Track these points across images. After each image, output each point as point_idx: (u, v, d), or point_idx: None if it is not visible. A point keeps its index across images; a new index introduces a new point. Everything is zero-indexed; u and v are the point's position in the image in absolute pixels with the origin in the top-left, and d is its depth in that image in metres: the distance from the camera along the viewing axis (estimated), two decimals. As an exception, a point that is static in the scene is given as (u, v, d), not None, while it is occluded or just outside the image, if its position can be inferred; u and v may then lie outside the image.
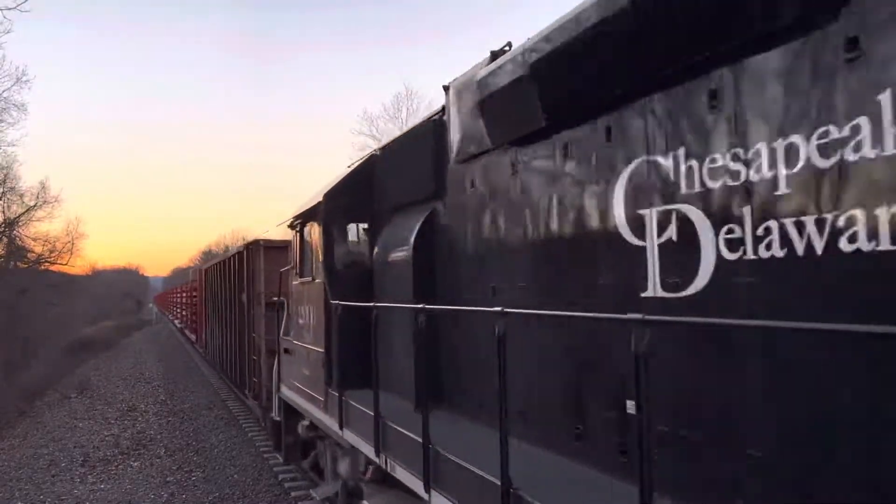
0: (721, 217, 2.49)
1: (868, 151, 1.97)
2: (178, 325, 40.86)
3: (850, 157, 2.01)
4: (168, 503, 8.73)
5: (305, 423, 7.31)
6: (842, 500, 2.00)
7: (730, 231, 2.45)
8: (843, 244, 2.03)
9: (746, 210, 2.38)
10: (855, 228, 2.00)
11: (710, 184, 2.54)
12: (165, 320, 56.04)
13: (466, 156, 4.47)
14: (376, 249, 5.85)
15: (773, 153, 2.28)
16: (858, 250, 1.98)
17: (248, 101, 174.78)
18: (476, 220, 4.41)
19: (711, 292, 2.53)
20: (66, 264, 35.11)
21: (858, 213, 1.99)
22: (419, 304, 3.99)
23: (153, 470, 10.26)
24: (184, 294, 36.94)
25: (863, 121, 1.98)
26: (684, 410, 2.61)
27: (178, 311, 42.66)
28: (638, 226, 2.91)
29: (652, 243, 2.83)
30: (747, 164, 2.38)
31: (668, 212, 2.74)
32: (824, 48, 2.12)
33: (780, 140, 2.26)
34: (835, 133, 2.06)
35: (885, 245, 1.91)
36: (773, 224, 2.27)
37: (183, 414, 14.68)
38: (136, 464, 10.68)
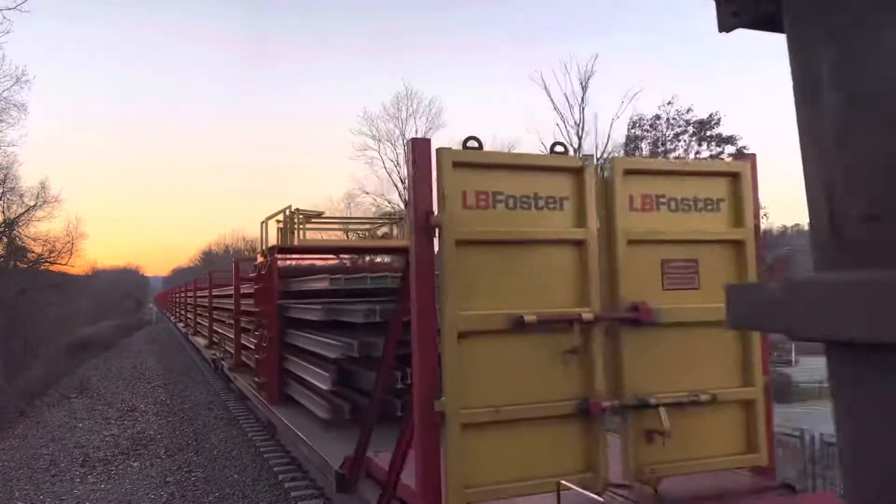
0: None
1: None
2: (212, 358, 17.37)
3: None
4: (168, 503, 8.73)
5: None
6: None
7: None
8: None
9: None
10: None
11: None
12: (165, 320, 55.97)
13: None
14: None
15: None
16: None
17: (248, 102, 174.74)
18: None
19: None
20: (66, 264, 35.17)
21: None
22: None
23: (153, 470, 10.26)
24: (208, 292, 19.71)
25: None
26: None
27: (197, 321, 24.73)
28: None
29: None
30: None
31: None
32: None
33: None
34: None
35: None
36: None
37: (183, 414, 14.68)
38: (136, 464, 10.68)
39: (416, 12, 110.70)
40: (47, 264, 33.06)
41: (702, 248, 4.10)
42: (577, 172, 3.92)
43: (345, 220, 15.72)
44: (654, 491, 3.91)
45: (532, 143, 40.53)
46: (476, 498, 3.60)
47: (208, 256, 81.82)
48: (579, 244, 3.87)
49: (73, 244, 34.95)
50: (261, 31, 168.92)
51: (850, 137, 0.98)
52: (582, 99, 35.41)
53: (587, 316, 3.78)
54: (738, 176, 4.22)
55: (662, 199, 4.08)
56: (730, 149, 32.25)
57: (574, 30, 74.44)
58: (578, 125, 35.11)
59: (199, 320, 24.09)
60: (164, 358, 27.25)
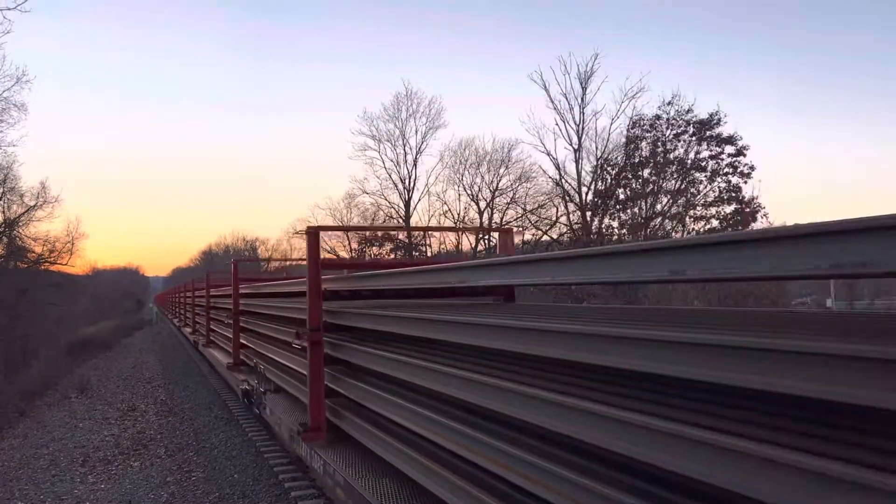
0: None
1: None
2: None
3: None
4: (168, 503, 8.72)
5: None
6: None
7: None
8: None
9: None
10: None
11: None
12: (166, 320, 55.96)
13: None
14: None
15: None
16: None
17: (248, 101, 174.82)
18: None
19: None
20: (66, 264, 35.20)
21: None
22: None
23: (153, 470, 10.25)
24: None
25: None
26: None
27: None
28: None
29: None
30: None
31: None
32: None
33: None
34: None
35: None
36: None
37: (183, 414, 14.67)
38: (136, 464, 10.68)
39: (416, 11, 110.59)
40: (47, 264, 33.10)
41: None
42: None
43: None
44: None
45: (532, 143, 40.36)
46: None
47: (208, 256, 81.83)
48: None
49: (73, 244, 34.99)
50: (262, 30, 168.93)
51: None
52: (582, 99, 35.26)
53: None
54: None
55: None
56: (730, 149, 32.17)
57: (575, 27, 74.25)
58: (578, 125, 34.97)
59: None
60: (163, 358, 27.24)
